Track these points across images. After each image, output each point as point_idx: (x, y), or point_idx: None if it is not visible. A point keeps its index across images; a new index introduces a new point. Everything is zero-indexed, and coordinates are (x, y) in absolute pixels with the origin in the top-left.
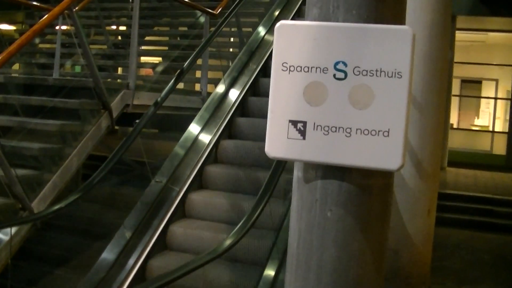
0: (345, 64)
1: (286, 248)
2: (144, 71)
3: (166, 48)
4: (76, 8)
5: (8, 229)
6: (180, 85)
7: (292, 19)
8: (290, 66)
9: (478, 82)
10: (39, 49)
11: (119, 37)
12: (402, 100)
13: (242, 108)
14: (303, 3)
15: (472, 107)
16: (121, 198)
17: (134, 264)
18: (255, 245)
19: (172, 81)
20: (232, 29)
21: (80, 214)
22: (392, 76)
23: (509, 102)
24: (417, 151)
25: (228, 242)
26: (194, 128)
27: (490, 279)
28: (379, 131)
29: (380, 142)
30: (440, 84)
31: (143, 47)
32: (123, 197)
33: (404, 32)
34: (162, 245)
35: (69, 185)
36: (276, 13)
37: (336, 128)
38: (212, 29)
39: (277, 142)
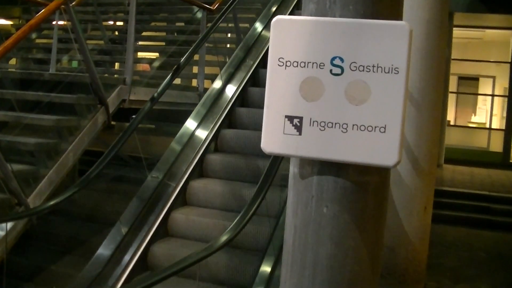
0: (342, 60)
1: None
2: (141, 67)
3: (163, 43)
4: (73, 3)
5: (3, 225)
6: (177, 81)
7: (290, 14)
8: (286, 61)
9: (475, 79)
10: (36, 44)
11: (116, 32)
12: (399, 96)
13: (242, 98)
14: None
15: (469, 104)
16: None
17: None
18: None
19: (169, 76)
20: (229, 25)
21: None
22: (389, 72)
23: (506, 99)
24: (414, 148)
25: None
26: (190, 123)
27: (487, 277)
28: (375, 127)
29: (376, 138)
30: (436, 81)
31: (140, 43)
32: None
33: (401, 27)
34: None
35: (65, 180)
36: (273, 9)
37: (332, 123)
38: (209, 24)
39: (273, 138)
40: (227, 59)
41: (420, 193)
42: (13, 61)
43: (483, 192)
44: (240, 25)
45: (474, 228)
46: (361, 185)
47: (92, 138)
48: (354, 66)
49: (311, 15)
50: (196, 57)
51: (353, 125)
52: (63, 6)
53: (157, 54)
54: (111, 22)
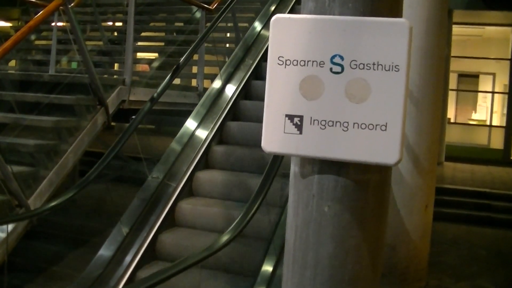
0: (342, 58)
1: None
2: (140, 67)
3: (162, 43)
4: (72, 4)
5: (4, 226)
6: (176, 81)
7: (290, 11)
8: (286, 60)
9: (475, 76)
10: (35, 45)
11: (115, 33)
12: (400, 93)
13: (245, 92)
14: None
15: (469, 102)
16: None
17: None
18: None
19: (168, 76)
20: (228, 24)
21: None
22: (389, 70)
23: (506, 96)
24: (414, 146)
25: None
26: (190, 123)
27: (488, 274)
28: (376, 125)
29: (377, 136)
30: (436, 79)
31: (139, 43)
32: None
33: (401, 25)
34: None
35: (66, 181)
36: (272, 8)
37: (333, 122)
38: (208, 24)
39: (274, 137)
40: (227, 59)
41: (420, 191)
42: (12, 63)
43: (483, 189)
44: (239, 24)
45: (475, 225)
46: (362, 183)
47: (92, 139)
48: (354, 64)
49: (310, 13)
50: (195, 57)
51: (354, 123)
52: (62, 7)
53: (156, 54)
54: (110, 23)
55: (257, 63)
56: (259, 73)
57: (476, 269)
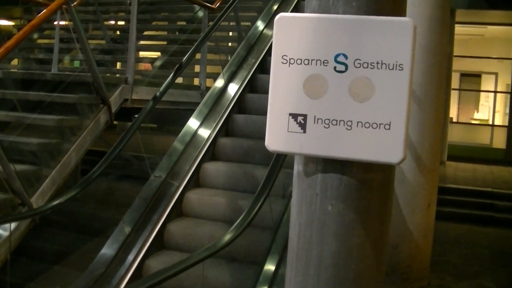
0: (346, 57)
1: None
2: (143, 66)
3: (165, 42)
4: (74, 3)
5: (7, 225)
6: (179, 80)
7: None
8: (290, 59)
9: (477, 76)
10: (38, 44)
11: (117, 32)
12: (403, 92)
13: (251, 84)
14: None
15: (471, 101)
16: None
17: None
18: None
19: (171, 75)
20: (231, 23)
21: None
22: (393, 69)
23: (508, 95)
24: (417, 146)
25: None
26: (193, 122)
27: (490, 274)
28: (380, 124)
29: (381, 135)
30: (439, 78)
31: (141, 42)
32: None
33: (405, 24)
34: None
35: (68, 180)
36: (275, 7)
37: (336, 121)
38: (211, 23)
39: (277, 136)
40: (229, 58)
41: (423, 190)
42: (14, 62)
43: (486, 189)
44: (242, 23)
45: (477, 225)
46: (365, 182)
47: (95, 137)
48: (358, 63)
49: (314, 12)
50: (198, 56)
51: (358, 122)
52: (64, 6)
53: (158, 53)
54: (113, 22)
55: (262, 57)
56: (264, 67)
57: (478, 268)
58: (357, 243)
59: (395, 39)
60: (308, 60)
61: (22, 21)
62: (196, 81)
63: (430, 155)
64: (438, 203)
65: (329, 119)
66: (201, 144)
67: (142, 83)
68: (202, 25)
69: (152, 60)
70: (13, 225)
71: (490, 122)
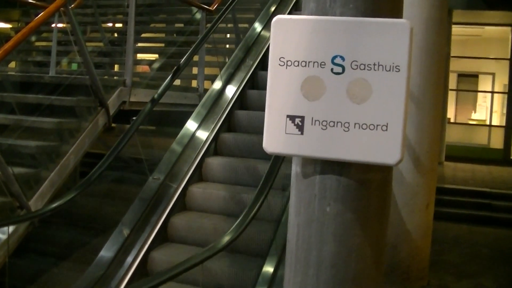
0: (343, 58)
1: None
2: (141, 68)
3: (163, 44)
4: (72, 5)
5: (5, 228)
6: (177, 82)
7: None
8: (287, 61)
9: (475, 76)
10: (35, 47)
11: (115, 34)
12: (401, 93)
13: (252, 81)
14: None
15: (469, 101)
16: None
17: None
18: None
19: (169, 77)
20: (229, 25)
21: None
22: (390, 70)
23: (506, 96)
24: (415, 146)
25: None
26: (191, 125)
27: (489, 273)
28: (377, 125)
29: (378, 136)
30: (437, 79)
31: (139, 44)
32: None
33: (402, 25)
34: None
35: (67, 182)
36: (272, 8)
37: (334, 122)
38: (209, 25)
39: (275, 137)
40: (227, 60)
41: (422, 190)
42: (12, 64)
43: (484, 189)
44: (239, 25)
45: (476, 225)
46: (363, 183)
47: (93, 140)
48: (355, 65)
49: (311, 14)
50: (195, 58)
51: (355, 123)
52: (62, 8)
53: (156, 55)
54: (110, 24)
55: (262, 55)
56: (265, 65)
57: (478, 268)
58: (356, 243)
59: (392, 41)
60: (306, 62)
61: (20, 24)
62: (194, 83)
63: (428, 155)
64: (436, 204)
65: (326, 121)
66: (202, 142)
67: (140, 85)
68: (200, 27)
69: (150, 62)
70: (11, 228)
71: (488, 123)
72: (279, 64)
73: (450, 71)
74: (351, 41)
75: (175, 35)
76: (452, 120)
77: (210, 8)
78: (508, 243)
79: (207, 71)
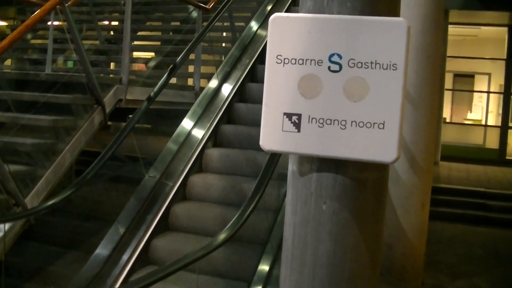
0: (340, 57)
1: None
2: (137, 66)
3: (159, 43)
4: (68, 3)
5: (1, 226)
6: (173, 80)
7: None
8: (284, 59)
9: (470, 76)
10: (31, 44)
11: (112, 32)
12: (397, 92)
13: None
14: None
15: (465, 101)
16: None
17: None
18: None
19: (165, 76)
20: (225, 24)
21: None
22: (387, 68)
23: (501, 96)
24: (410, 146)
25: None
26: (187, 123)
27: (484, 273)
28: (374, 123)
29: (375, 134)
30: (433, 78)
31: (135, 42)
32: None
33: (399, 24)
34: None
35: (62, 180)
36: (269, 7)
37: (331, 120)
38: (205, 24)
39: (272, 135)
40: (223, 58)
41: (417, 190)
42: (7, 62)
43: (479, 189)
44: (236, 24)
45: (471, 224)
46: (360, 181)
47: (89, 138)
48: (352, 63)
49: (308, 12)
50: (192, 56)
51: (352, 121)
52: (58, 6)
53: (152, 53)
54: (107, 22)
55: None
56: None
57: (473, 268)
58: (352, 242)
59: (389, 39)
60: (303, 60)
61: (15, 22)
62: (190, 82)
63: (424, 155)
64: (432, 203)
65: (323, 119)
66: (203, 130)
67: (136, 84)
68: (196, 25)
69: (146, 61)
70: (7, 225)
71: (483, 123)
72: (277, 62)
73: (446, 71)
74: (348, 40)
75: (171, 33)
76: (448, 120)
77: (207, 6)
78: (503, 243)
79: (204, 69)
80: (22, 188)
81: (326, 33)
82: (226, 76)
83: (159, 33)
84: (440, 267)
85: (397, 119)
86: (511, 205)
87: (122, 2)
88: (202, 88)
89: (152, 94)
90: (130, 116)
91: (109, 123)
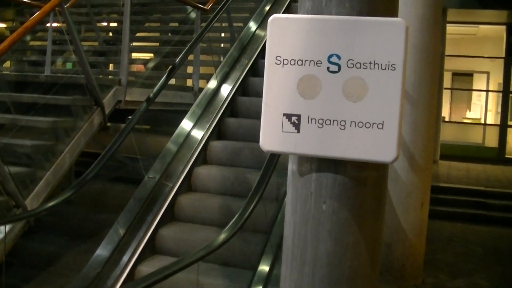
0: (339, 57)
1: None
2: (136, 67)
3: (158, 44)
4: (67, 4)
5: (2, 227)
6: (172, 81)
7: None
8: (283, 60)
9: (469, 75)
10: (30, 46)
11: (110, 34)
12: (396, 92)
13: (253, 69)
14: None
15: (463, 100)
16: None
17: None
18: None
19: (164, 77)
20: (223, 24)
21: None
22: (385, 69)
23: (500, 94)
24: (410, 145)
25: None
26: (186, 124)
27: (483, 272)
28: (373, 123)
29: (374, 134)
30: (431, 77)
31: (134, 43)
32: None
33: (397, 24)
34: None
35: (62, 182)
36: (267, 8)
37: (330, 121)
38: (204, 24)
39: (272, 136)
40: (222, 59)
41: (416, 189)
42: (7, 64)
43: (478, 187)
44: (234, 24)
45: (470, 223)
46: (359, 181)
47: (89, 139)
48: (351, 63)
49: (307, 13)
50: (190, 57)
51: (351, 122)
52: (57, 8)
53: (151, 54)
54: (105, 23)
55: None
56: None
57: (472, 266)
58: (351, 241)
59: (388, 39)
60: (302, 60)
61: (14, 23)
62: (189, 82)
63: (423, 154)
64: (431, 202)
65: (322, 119)
66: (206, 125)
67: (135, 85)
68: (194, 26)
69: (145, 62)
70: (7, 227)
71: (482, 121)
72: (276, 63)
73: (444, 70)
74: (347, 40)
75: (169, 34)
76: (446, 119)
77: (205, 7)
78: (503, 242)
79: (202, 70)
80: (22, 189)
81: (325, 34)
82: (225, 76)
83: (157, 34)
84: (440, 266)
85: (396, 119)
86: (511, 203)
87: (121, 3)
88: (201, 89)
89: (151, 95)
90: (130, 117)
91: (109, 124)
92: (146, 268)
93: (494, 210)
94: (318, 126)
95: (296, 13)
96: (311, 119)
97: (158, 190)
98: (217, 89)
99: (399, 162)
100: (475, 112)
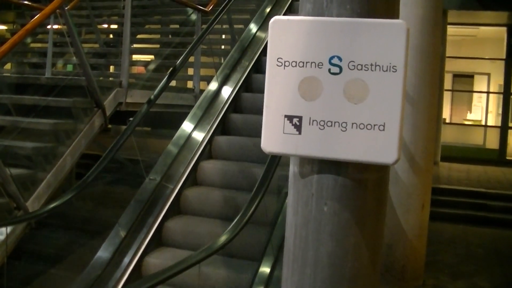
0: (340, 59)
1: None
2: (137, 69)
3: (158, 46)
4: (68, 6)
5: (3, 229)
6: (173, 83)
7: (284, 15)
8: (285, 61)
9: (470, 77)
10: (31, 48)
11: (111, 36)
12: (397, 93)
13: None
14: None
15: (464, 102)
16: None
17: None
18: None
19: (165, 78)
20: (224, 26)
21: None
22: (387, 70)
23: (501, 96)
24: (410, 146)
25: None
26: (187, 125)
27: (485, 273)
28: (374, 125)
29: (375, 136)
30: (432, 78)
31: (134, 45)
32: None
33: (398, 25)
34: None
35: (63, 184)
36: (268, 9)
37: (331, 122)
38: (204, 26)
39: (273, 137)
40: (223, 60)
41: (417, 190)
42: (7, 66)
43: (479, 189)
44: (235, 26)
45: (471, 225)
46: (360, 182)
47: (90, 141)
48: (352, 65)
49: (308, 15)
50: (191, 59)
51: (352, 123)
52: (58, 10)
53: (152, 56)
54: (106, 25)
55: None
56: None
57: (473, 268)
58: (353, 242)
59: (389, 41)
60: (303, 62)
61: (15, 26)
62: (190, 84)
63: (423, 155)
64: (432, 204)
65: (324, 121)
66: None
67: (136, 87)
68: (195, 28)
69: (145, 64)
70: (9, 229)
71: (483, 123)
72: (277, 65)
73: (445, 72)
74: (348, 42)
75: (170, 36)
76: (447, 121)
77: (206, 9)
78: (504, 243)
79: (203, 72)
80: (23, 191)
81: (326, 36)
82: (226, 78)
83: (158, 36)
84: (441, 267)
85: (397, 120)
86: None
87: (122, 5)
88: (202, 91)
89: (152, 97)
90: (131, 119)
91: (109, 126)
92: (153, 260)
93: (495, 211)
94: (319, 128)
95: (298, 11)
96: (313, 120)
97: (161, 188)
98: (219, 89)
99: (400, 163)
100: (475, 113)
